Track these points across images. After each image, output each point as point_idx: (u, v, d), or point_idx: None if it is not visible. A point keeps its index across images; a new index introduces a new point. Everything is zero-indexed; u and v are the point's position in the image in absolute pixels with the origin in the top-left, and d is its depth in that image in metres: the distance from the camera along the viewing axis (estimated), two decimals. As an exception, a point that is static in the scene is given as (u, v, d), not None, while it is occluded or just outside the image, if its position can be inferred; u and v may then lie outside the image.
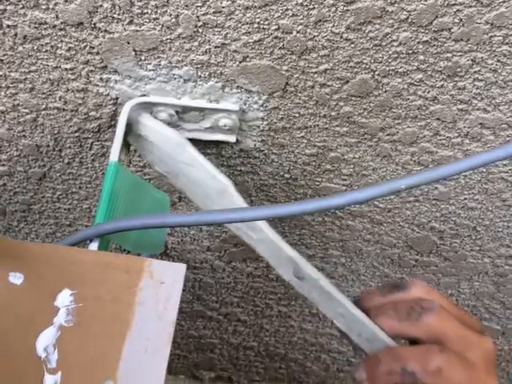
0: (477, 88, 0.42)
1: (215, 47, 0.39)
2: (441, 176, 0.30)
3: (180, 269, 0.31)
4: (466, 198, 0.51)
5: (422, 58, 0.40)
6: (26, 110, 0.44)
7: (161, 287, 0.30)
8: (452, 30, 0.38)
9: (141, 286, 0.30)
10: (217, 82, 0.42)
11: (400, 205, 0.52)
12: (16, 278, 0.29)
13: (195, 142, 0.46)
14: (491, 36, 0.38)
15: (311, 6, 0.37)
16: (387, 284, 0.39)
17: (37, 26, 0.38)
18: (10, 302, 0.29)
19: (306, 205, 0.32)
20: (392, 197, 0.52)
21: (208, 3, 0.36)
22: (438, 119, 0.44)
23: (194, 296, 0.66)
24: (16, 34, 0.39)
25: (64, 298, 0.29)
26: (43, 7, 0.37)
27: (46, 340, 0.28)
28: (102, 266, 0.30)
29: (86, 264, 0.30)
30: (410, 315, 0.35)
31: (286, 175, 0.50)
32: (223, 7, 0.37)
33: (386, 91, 0.42)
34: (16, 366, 0.27)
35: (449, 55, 0.40)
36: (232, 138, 0.46)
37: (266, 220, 0.37)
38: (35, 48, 0.40)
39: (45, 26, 0.38)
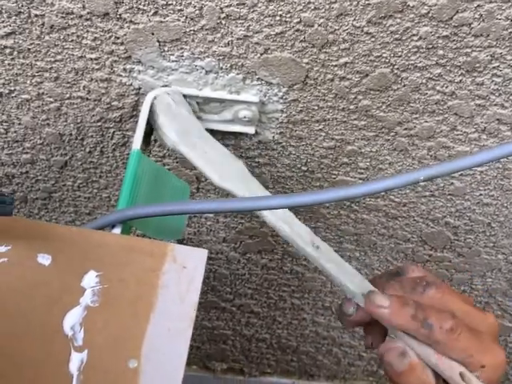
0: (495, 84, 0.42)
1: (237, 39, 0.40)
2: (460, 168, 0.31)
3: (202, 254, 0.32)
4: (481, 194, 0.52)
5: (441, 52, 0.40)
6: (51, 99, 0.45)
7: (183, 271, 0.31)
8: (472, 26, 0.39)
9: (164, 269, 0.31)
10: (238, 74, 0.42)
11: (415, 199, 0.53)
12: (44, 259, 0.30)
13: (214, 133, 0.47)
14: (511, 32, 0.39)
15: (333, 0, 0.37)
16: (385, 272, 0.41)
17: (64, 15, 0.39)
18: (38, 281, 0.29)
19: (323, 194, 0.33)
20: (407, 191, 0.52)
21: (232, -5, 0.37)
22: (455, 114, 0.45)
23: (208, 287, 0.67)
24: (43, 24, 0.40)
25: (90, 280, 0.30)
26: (71, -3, 0.38)
27: (72, 319, 0.29)
28: (126, 250, 0.31)
29: (111, 247, 0.31)
30: (415, 289, 0.37)
31: (303, 168, 0.51)
32: (247, -1, 0.37)
33: (404, 85, 0.43)
34: (44, 343, 0.28)
35: (468, 50, 0.40)
36: (251, 130, 0.46)
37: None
38: (61, 37, 0.41)
39: (71, 16, 0.39)
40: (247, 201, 0.34)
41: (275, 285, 0.66)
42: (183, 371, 0.28)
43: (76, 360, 0.27)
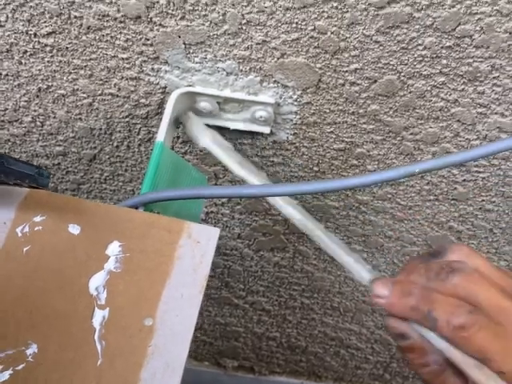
0: (495, 93, 0.45)
1: (256, 44, 0.44)
2: (450, 163, 0.34)
3: (214, 232, 0.35)
4: (483, 200, 0.54)
5: (444, 62, 0.43)
6: (84, 95, 0.49)
7: (197, 246, 0.34)
8: (473, 37, 0.42)
9: (180, 243, 0.34)
10: (256, 76, 0.46)
11: (420, 203, 0.56)
12: (74, 229, 0.34)
13: (232, 132, 0.50)
14: (510, 44, 0.42)
15: (345, 10, 0.41)
16: (427, 251, 0.37)
17: (100, 17, 0.43)
18: (68, 247, 0.33)
19: (326, 184, 0.36)
20: (413, 194, 0.55)
21: (252, 3, 0.41)
22: (458, 121, 0.48)
23: (222, 283, 0.70)
24: (81, 25, 0.44)
25: (114, 249, 0.33)
26: (107, 1, 0.42)
27: (97, 281, 0.32)
28: (147, 225, 0.35)
29: (134, 222, 0.35)
30: (439, 274, 0.34)
31: (315, 168, 0.54)
32: (266, 7, 0.41)
33: (410, 92, 0.46)
34: (71, 300, 0.31)
35: (470, 60, 0.43)
36: (267, 130, 0.50)
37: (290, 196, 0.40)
38: (97, 38, 0.45)
39: (107, 19, 0.43)
40: (256, 188, 0.37)
41: (286, 283, 0.69)
42: (193, 332, 0.31)
43: (99, 316, 0.31)
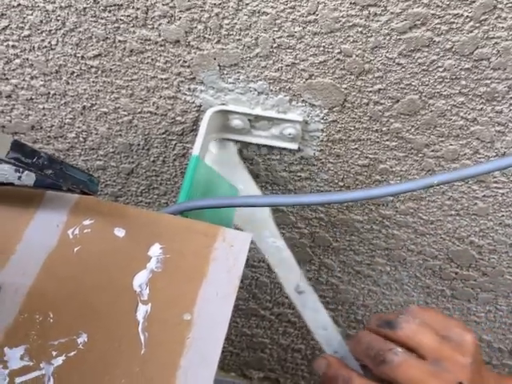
0: (513, 112, 0.48)
1: (286, 66, 0.47)
2: (468, 175, 0.37)
3: (247, 236, 0.38)
4: (503, 215, 0.56)
5: (463, 83, 0.46)
6: (125, 113, 0.53)
7: (231, 249, 0.37)
8: (491, 60, 0.44)
9: (215, 246, 0.37)
10: (285, 96, 0.49)
11: (442, 217, 0.58)
12: (119, 232, 0.37)
13: (262, 147, 0.54)
14: (525, 66, 0.44)
15: (369, 34, 0.44)
16: (383, 317, 0.45)
17: (142, 41, 0.47)
18: (114, 249, 0.36)
19: (348, 194, 0.39)
20: (435, 209, 0.57)
21: (283, 28, 0.44)
22: (477, 139, 0.50)
23: (250, 294, 0.73)
24: (125, 48, 0.48)
25: (155, 250, 0.36)
26: (149, 26, 0.46)
27: (140, 279, 0.35)
28: (185, 229, 0.38)
29: (173, 226, 0.38)
30: (375, 358, 0.42)
31: (340, 183, 0.57)
32: (295, 32, 0.44)
33: (431, 111, 0.49)
34: (118, 295, 0.35)
35: (488, 82, 0.46)
36: (294, 146, 0.53)
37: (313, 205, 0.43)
38: (139, 60, 0.48)
39: (148, 42, 0.47)
40: (285, 197, 0.40)
41: (311, 295, 0.71)
42: (227, 327, 0.34)
43: (142, 310, 0.34)
